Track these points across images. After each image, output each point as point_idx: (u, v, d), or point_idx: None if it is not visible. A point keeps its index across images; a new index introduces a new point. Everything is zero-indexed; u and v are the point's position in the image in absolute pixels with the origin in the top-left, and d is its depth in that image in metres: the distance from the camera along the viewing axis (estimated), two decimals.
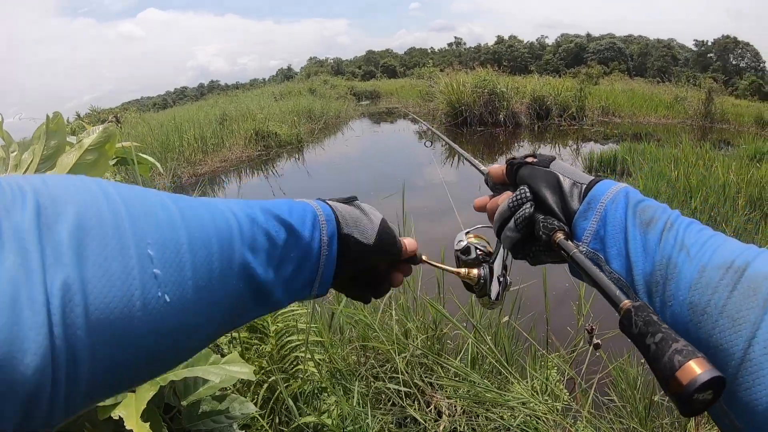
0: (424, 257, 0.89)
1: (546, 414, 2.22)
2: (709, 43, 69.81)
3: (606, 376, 2.82)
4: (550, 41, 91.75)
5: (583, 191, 0.73)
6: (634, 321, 0.53)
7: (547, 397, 2.46)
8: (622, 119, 19.38)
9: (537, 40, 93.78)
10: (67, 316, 0.37)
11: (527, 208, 0.76)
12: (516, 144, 15.13)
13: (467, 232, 0.95)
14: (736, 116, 18.79)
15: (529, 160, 0.83)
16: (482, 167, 0.98)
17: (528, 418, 2.25)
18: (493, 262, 0.90)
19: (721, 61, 66.40)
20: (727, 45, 66.33)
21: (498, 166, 0.89)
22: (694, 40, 74.34)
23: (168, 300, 0.44)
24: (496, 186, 0.92)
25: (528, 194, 0.77)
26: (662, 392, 2.61)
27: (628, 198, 0.68)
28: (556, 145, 14.44)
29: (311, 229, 0.66)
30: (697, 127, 17.93)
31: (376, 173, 10.28)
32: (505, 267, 0.91)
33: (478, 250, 0.91)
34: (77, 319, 0.37)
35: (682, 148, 10.18)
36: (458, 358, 2.91)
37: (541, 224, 0.73)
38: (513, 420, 2.24)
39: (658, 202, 0.67)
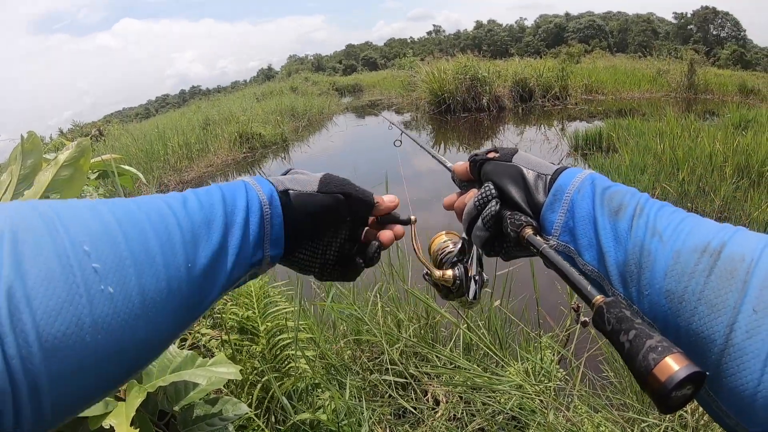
0: (413, 217, 0.87)
1: (539, 395, 2.23)
2: (689, 15, 70.25)
3: (601, 354, 2.83)
4: (529, 23, 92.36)
5: (547, 183, 0.72)
6: (606, 318, 0.51)
7: (543, 378, 2.47)
8: (606, 96, 19.39)
9: (516, 22, 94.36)
10: (15, 323, 0.37)
11: (493, 206, 0.75)
12: (501, 128, 15.13)
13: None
14: (719, 86, 18.84)
15: (491, 155, 0.81)
16: (448, 164, 0.97)
17: (523, 400, 2.26)
18: (467, 261, 0.89)
19: (702, 32, 66.79)
20: (707, 16, 66.69)
21: (462, 164, 0.88)
22: (673, 13, 74.89)
23: (111, 291, 0.44)
24: (463, 183, 0.91)
25: (493, 191, 0.76)
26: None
27: (594, 186, 0.66)
28: (541, 127, 14.43)
29: (245, 193, 0.66)
30: (681, 99, 17.98)
31: (361, 166, 10.26)
32: (480, 265, 0.89)
33: (448, 251, 0.90)
34: (26, 325, 0.38)
35: (667, 121, 10.23)
36: (451, 346, 2.92)
37: (509, 221, 0.72)
38: (508, 404, 2.25)
39: (627, 187, 0.66)
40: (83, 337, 0.41)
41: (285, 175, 0.78)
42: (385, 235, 0.83)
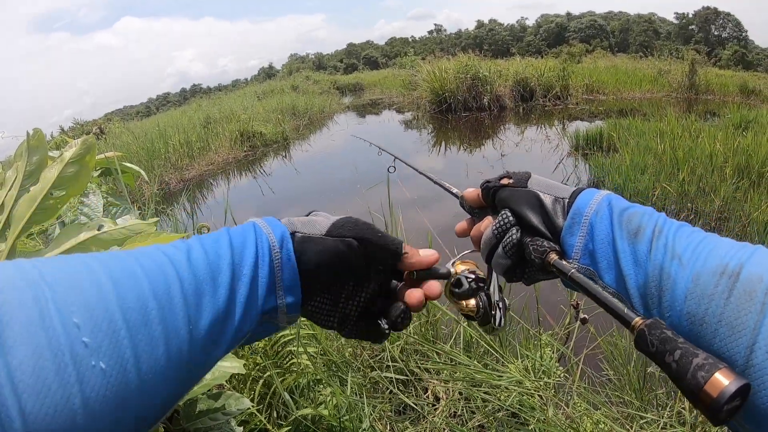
0: (454, 268, 0.81)
1: (538, 391, 2.24)
2: (690, 15, 70.15)
3: (600, 352, 2.84)
4: (530, 22, 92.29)
5: (565, 206, 0.71)
6: (649, 340, 0.52)
7: (542, 375, 2.48)
8: (607, 96, 19.35)
9: (517, 21, 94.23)
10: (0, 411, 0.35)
11: (514, 234, 0.73)
12: (502, 127, 15.11)
13: (453, 263, 0.88)
14: (720, 87, 18.78)
15: (505, 181, 0.79)
16: (454, 190, 0.96)
17: (522, 396, 2.27)
18: (488, 288, 0.86)
19: (703, 32, 66.70)
20: (708, 16, 66.61)
21: (473, 190, 0.86)
22: (674, 13, 74.85)
23: (104, 367, 0.41)
24: (474, 210, 0.88)
25: (511, 218, 0.75)
26: (656, 366, 2.64)
27: (611, 207, 0.66)
28: (542, 126, 14.41)
29: (254, 238, 0.62)
30: (682, 99, 17.95)
31: (361, 165, 10.26)
32: (500, 290, 0.88)
33: (468, 279, 0.86)
34: (10, 410, 0.36)
35: (668, 121, 10.22)
36: (452, 343, 2.93)
37: (531, 248, 0.71)
38: (507, 400, 2.26)
39: (644, 207, 0.66)
40: (73, 418, 0.39)
41: (306, 216, 0.72)
42: (413, 295, 0.70)
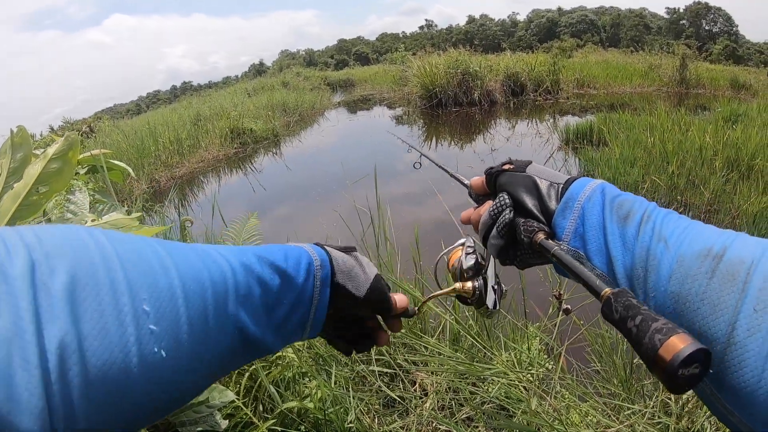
0: (416, 309, 0.90)
1: (522, 383, 2.25)
2: (681, 10, 70.51)
3: (587, 344, 2.84)
4: (521, 18, 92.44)
5: (560, 191, 0.74)
6: (614, 307, 0.54)
7: (530, 367, 2.49)
8: (598, 90, 19.45)
9: (508, 17, 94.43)
10: (65, 375, 0.37)
11: (507, 214, 0.77)
12: (493, 122, 15.13)
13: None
14: (711, 81, 18.96)
15: (506, 167, 0.84)
16: (465, 181, 0.99)
17: (509, 389, 2.28)
18: (485, 272, 0.90)
19: (694, 27, 67.00)
20: (699, 11, 66.89)
21: (478, 178, 0.90)
22: (665, 8, 75.16)
23: (164, 355, 0.45)
24: (479, 197, 0.92)
25: (507, 200, 0.78)
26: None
27: (604, 194, 0.69)
28: (533, 121, 14.43)
29: (305, 275, 0.67)
30: (673, 93, 18.08)
31: (353, 162, 10.26)
32: (497, 275, 0.91)
33: (470, 257, 0.91)
34: (74, 378, 0.37)
35: (658, 115, 10.25)
36: (439, 336, 2.94)
37: (522, 228, 0.73)
38: (493, 391, 2.27)
39: (635, 195, 0.68)
40: (130, 394, 0.42)
41: (346, 253, 0.79)
42: (383, 339, 0.87)
